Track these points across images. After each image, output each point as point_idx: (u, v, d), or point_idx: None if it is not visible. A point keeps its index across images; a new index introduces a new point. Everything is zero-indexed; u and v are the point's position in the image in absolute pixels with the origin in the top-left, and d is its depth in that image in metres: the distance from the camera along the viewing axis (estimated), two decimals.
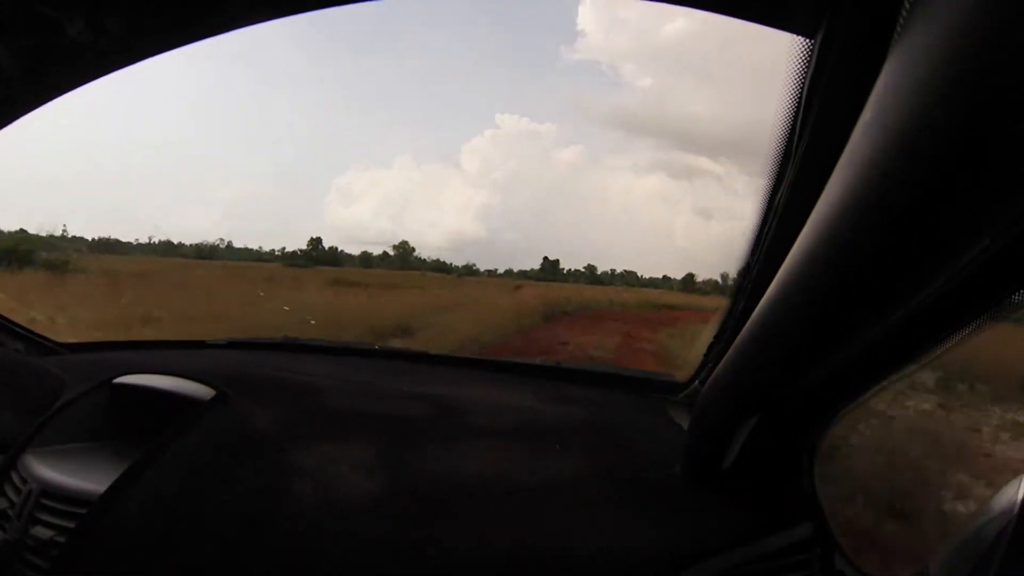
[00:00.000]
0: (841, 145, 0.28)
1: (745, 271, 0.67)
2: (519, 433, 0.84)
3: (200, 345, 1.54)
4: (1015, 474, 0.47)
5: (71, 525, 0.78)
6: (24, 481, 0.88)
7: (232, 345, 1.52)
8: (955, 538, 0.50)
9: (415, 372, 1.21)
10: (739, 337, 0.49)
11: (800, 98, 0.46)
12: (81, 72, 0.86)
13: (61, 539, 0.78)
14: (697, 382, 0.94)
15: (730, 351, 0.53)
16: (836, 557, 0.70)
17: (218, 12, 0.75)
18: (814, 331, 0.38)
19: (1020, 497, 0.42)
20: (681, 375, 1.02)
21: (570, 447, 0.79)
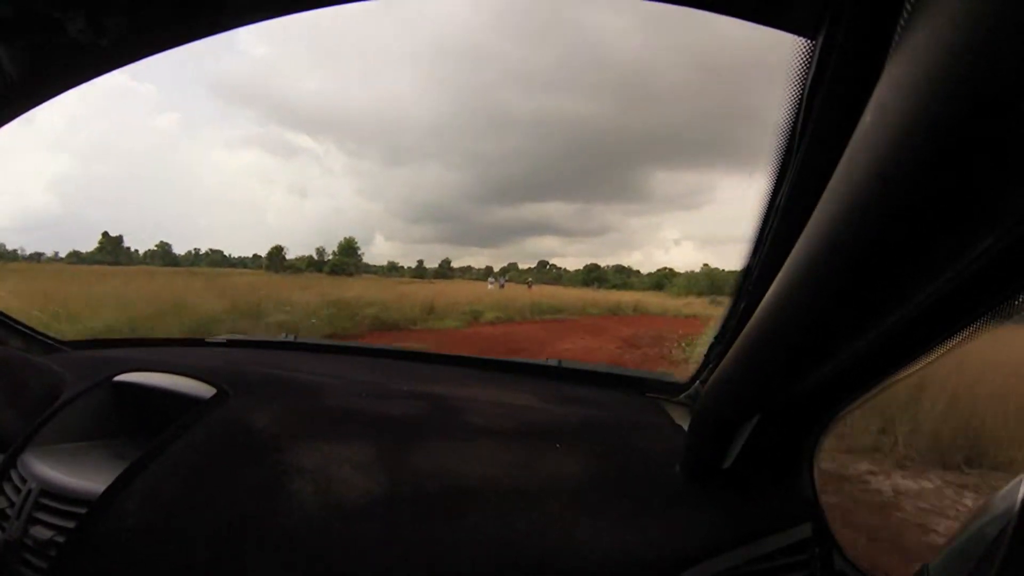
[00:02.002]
0: (842, 146, 0.28)
1: (746, 271, 0.67)
2: (519, 433, 0.84)
3: (200, 343, 1.54)
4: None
5: (71, 525, 0.78)
6: (23, 480, 0.88)
7: (232, 343, 1.52)
8: (956, 538, 0.50)
9: (415, 372, 1.21)
10: (739, 337, 0.49)
11: (801, 99, 0.46)
12: (81, 71, 0.86)
13: (60, 539, 0.78)
14: (697, 382, 0.94)
15: (730, 351, 0.53)
16: (836, 557, 0.71)
17: (217, 11, 0.75)
18: (815, 332, 0.38)
19: (1020, 497, 0.42)
20: (681, 375, 1.02)
21: (570, 447, 0.79)
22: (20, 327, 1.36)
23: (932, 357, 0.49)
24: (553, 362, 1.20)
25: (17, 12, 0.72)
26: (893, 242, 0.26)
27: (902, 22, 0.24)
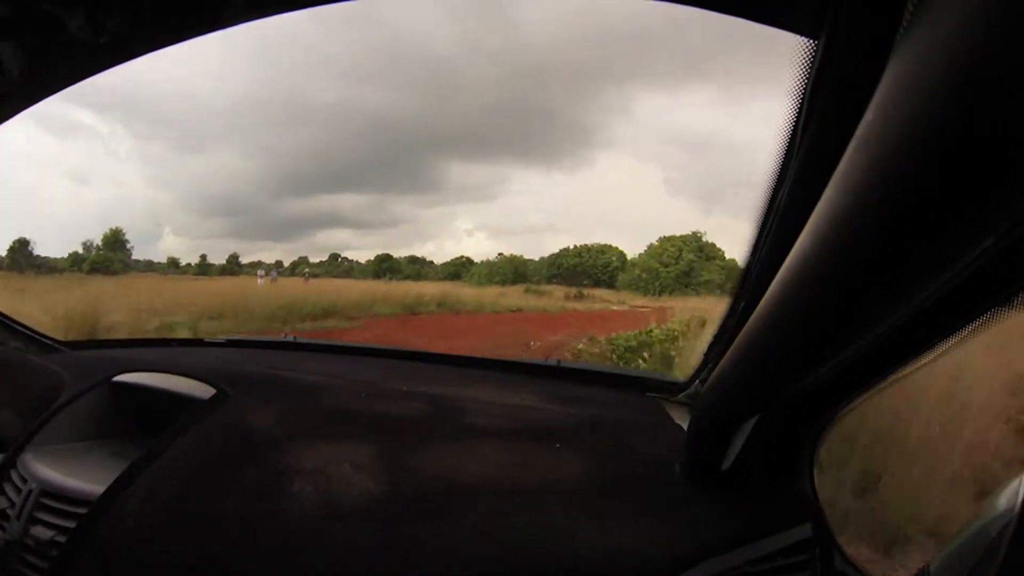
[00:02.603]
0: (843, 145, 0.28)
1: (746, 271, 0.67)
2: (519, 433, 0.84)
3: (200, 343, 1.54)
4: None
5: (71, 525, 0.78)
6: (24, 480, 0.88)
7: (232, 344, 1.52)
8: (955, 538, 0.50)
9: (415, 372, 1.21)
10: (739, 337, 0.49)
11: (802, 99, 0.46)
12: (80, 68, 0.86)
13: (61, 539, 0.78)
14: (697, 382, 0.94)
15: (730, 351, 0.53)
16: (836, 557, 0.71)
17: (216, 9, 0.75)
18: (815, 331, 0.38)
19: (1020, 497, 0.43)
20: (681, 375, 1.02)
21: (570, 447, 0.79)
22: (19, 327, 1.36)
23: (931, 356, 0.49)
24: (553, 362, 1.20)
25: (17, 10, 0.72)
26: (893, 242, 0.26)
27: (904, 22, 0.24)
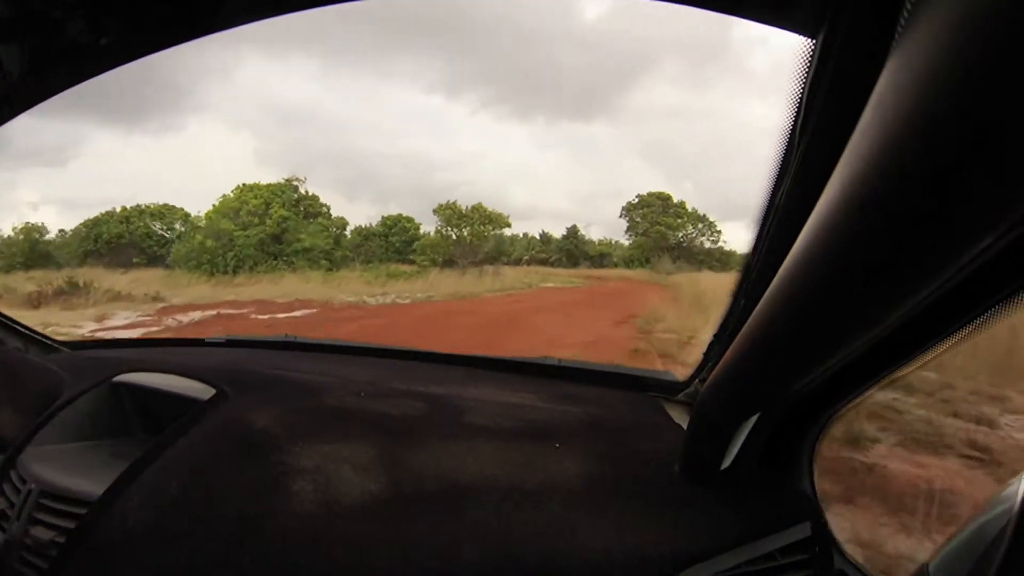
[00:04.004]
0: (842, 145, 0.28)
1: (745, 270, 0.67)
2: (519, 432, 0.84)
3: (199, 343, 1.54)
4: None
5: (71, 525, 0.78)
6: (23, 481, 0.88)
7: (231, 343, 1.52)
8: (955, 537, 0.50)
9: (415, 371, 1.21)
10: (739, 337, 0.49)
11: (801, 98, 0.46)
12: (81, 71, 0.86)
13: (60, 540, 0.78)
14: (697, 381, 0.94)
15: (730, 351, 0.53)
16: (836, 557, 0.71)
17: (217, 11, 0.75)
18: (814, 331, 0.38)
19: (1020, 496, 0.43)
20: (681, 374, 1.02)
21: (570, 446, 0.79)
22: (19, 327, 1.36)
23: (931, 355, 0.49)
24: (553, 361, 1.20)
25: (17, 12, 0.72)
26: (893, 242, 0.26)
27: (902, 21, 0.24)
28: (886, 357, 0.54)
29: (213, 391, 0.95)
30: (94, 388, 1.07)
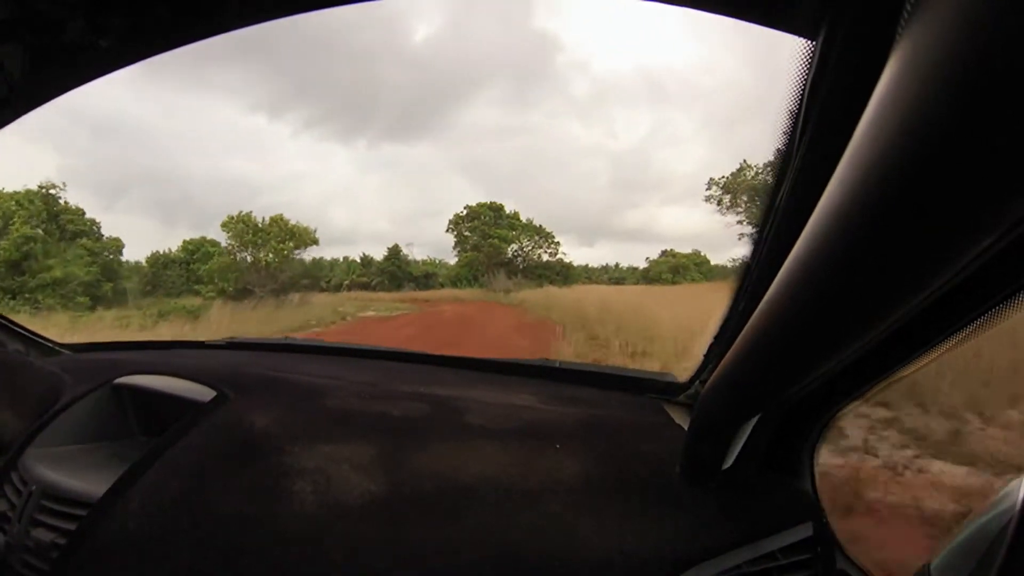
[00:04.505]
0: (843, 146, 0.28)
1: (745, 271, 0.67)
2: (519, 433, 0.84)
3: (200, 345, 1.54)
4: None
5: (72, 527, 0.78)
6: (24, 483, 0.88)
7: (232, 346, 1.52)
8: (955, 537, 0.50)
9: (415, 373, 1.21)
10: (739, 338, 0.49)
11: (801, 99, 0.46)
12: (82, 72, 0.86)
13: (62, 541, 0.78)
14: (697, 382, 0.94)
15: (730, 351, 0.53)
16: (837, 556, 0.71)
17: (217, 11, 0.75)
18: (815, 331, 0.38)
19: (1020, 496, 0.43)
20: (681, 375, 1.02)
21: (570, 447, 0.79)
22: (20, 330, 1.36)
23: (932, 356, 0.49)
24: (554, 362, 1.20)
25: (17, 12, 0.72)
26: (893, 242, 0.26)
27: (902, 22, 0.24)
28: (887, 357, 0.54)
29: (214, 393, 0.95)
30: (95, 390, 1.07)
